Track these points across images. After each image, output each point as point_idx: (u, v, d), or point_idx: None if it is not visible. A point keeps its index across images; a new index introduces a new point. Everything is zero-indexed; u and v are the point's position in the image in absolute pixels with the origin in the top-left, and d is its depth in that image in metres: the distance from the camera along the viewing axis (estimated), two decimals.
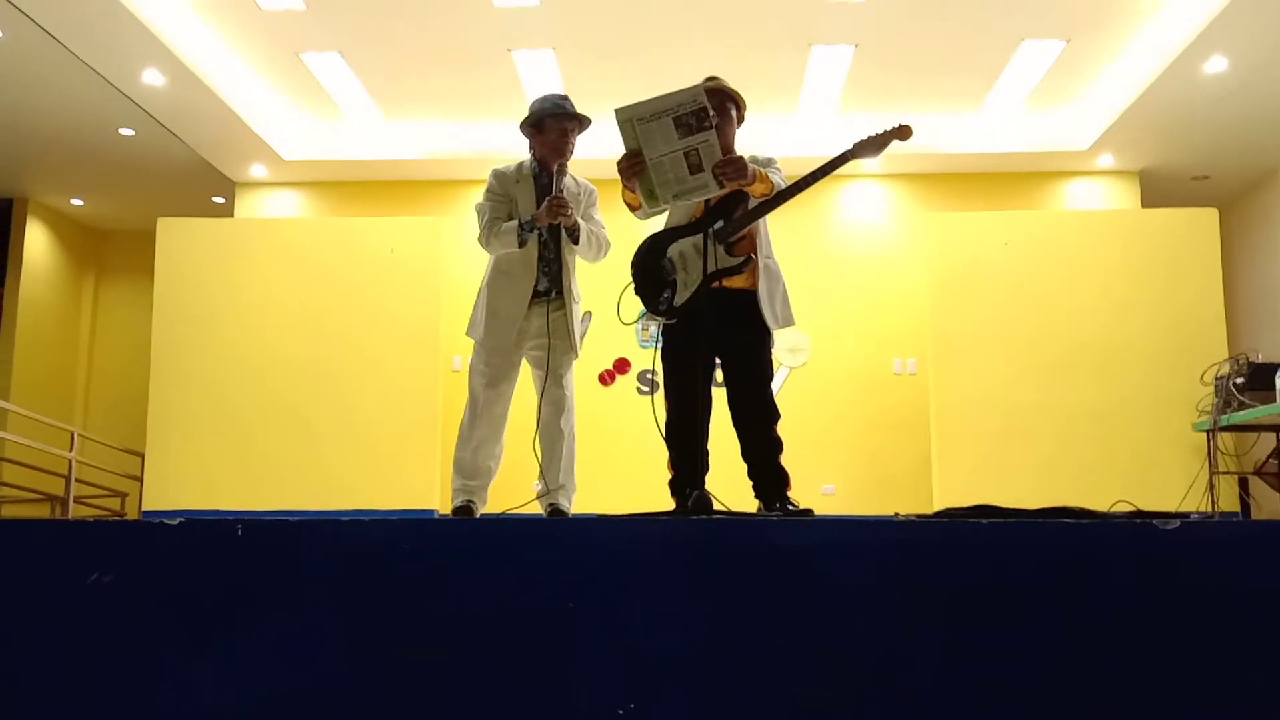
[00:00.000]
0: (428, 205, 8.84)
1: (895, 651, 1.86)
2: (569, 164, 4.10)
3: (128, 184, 9.81)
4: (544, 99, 4.14)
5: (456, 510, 4.05)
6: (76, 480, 8.67)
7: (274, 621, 1.92)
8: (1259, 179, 9.11)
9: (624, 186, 3.41)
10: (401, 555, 1.94)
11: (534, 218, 3.96)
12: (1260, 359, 6.67)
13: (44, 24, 6.55)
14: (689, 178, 3.25)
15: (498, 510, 4.27)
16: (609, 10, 6.88)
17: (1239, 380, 6.46)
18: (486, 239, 4.05)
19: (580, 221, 4.05)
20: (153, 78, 7.27)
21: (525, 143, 4.19)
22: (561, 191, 3.99)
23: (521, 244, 3.97)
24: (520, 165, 4.16)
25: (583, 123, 4.12)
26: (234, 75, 7.73)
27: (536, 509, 4.19)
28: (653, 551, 1.94)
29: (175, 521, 1.98)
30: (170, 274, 8.13)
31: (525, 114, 4.14)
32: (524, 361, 4.19)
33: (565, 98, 4.14)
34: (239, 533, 1.96)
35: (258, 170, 9.05)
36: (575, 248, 4.08)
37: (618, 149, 3.31)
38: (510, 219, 4.02)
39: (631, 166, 3.26)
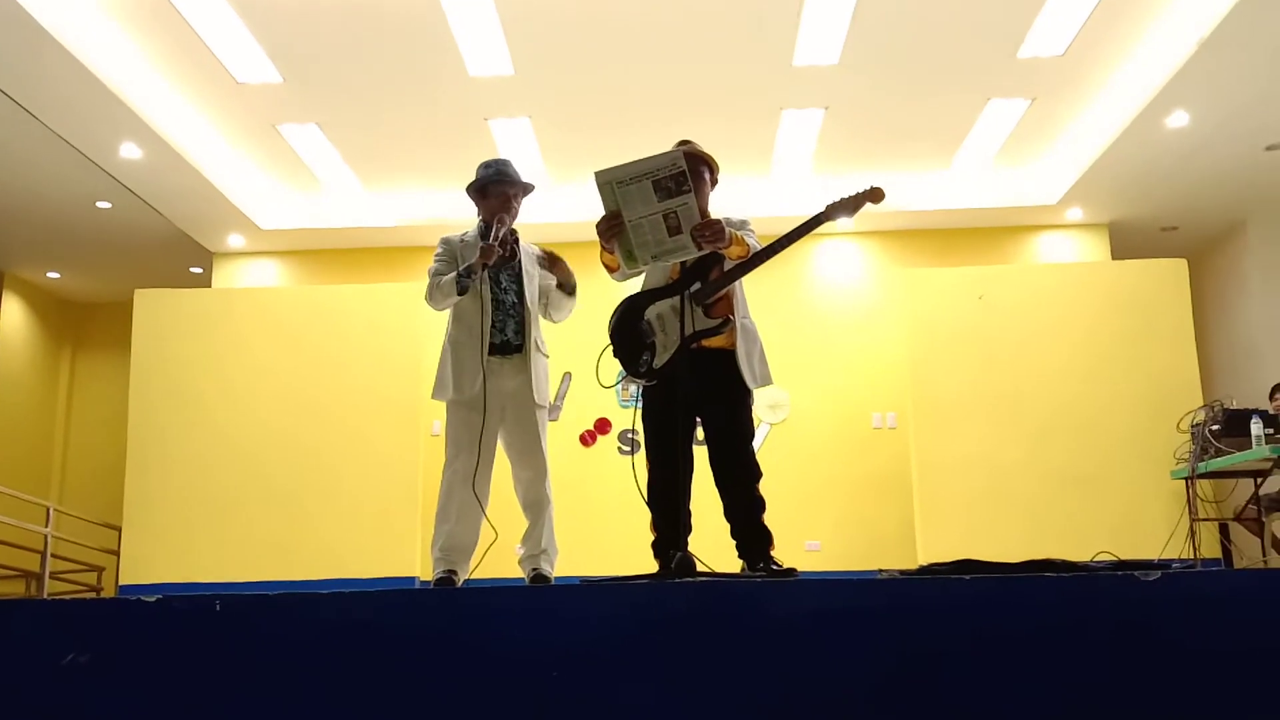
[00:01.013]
0: (406, 272, 8.86)
1: (882, 712, 1.85)
2: (515, 226, 4.24)
3: (105, 257, 9.81)
4: (487, 165, 4.28)
5: (438, 580, 4.01)
6: (52, 556, 8.53)
7: (253, 699, 1.89)
8: (1227, 228, 9.26)
9: (602, 248, 3.44)
10: (382, 629, 1.92)
11: (469, 265, 4.03)
12: (1234, 405, 6.72)
13: (20, 99, 6.59)
14: (668, 239, 3.29)
15: (472, 566, 4.23)
16: (584, 79, 6.98)
17: (1215, 427, 6.51)
18: (430, 293, 4.13)
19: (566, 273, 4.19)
20: (130, 151, 7.31)
21: None
22: (500, 241, 4.06)
23: (462, 290, 4.02)
24: (466, 232, 4.30)
25: (525, 188, 4.27)
26: (211, 147, 7.78)
27: (507, 551, 4.16)
28: (636, 619, 1.92)
29: (153, 598, 1.95)
30: (147, 345, 8.10)
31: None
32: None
33: (508, 163, 4.28)
34: (217, 608, 1.94)
35: (235, 240, 9.07)
36: (564, 300, 4.20)
37: (595, 212, 3.35)
38: (453, 269, 4.12)
39: (611, 228, 3.31)
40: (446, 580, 4.01)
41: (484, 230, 4.22)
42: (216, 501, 7.74)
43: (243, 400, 7.95)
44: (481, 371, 4.02)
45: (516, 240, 4.22)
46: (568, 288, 4.21)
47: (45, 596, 8.15)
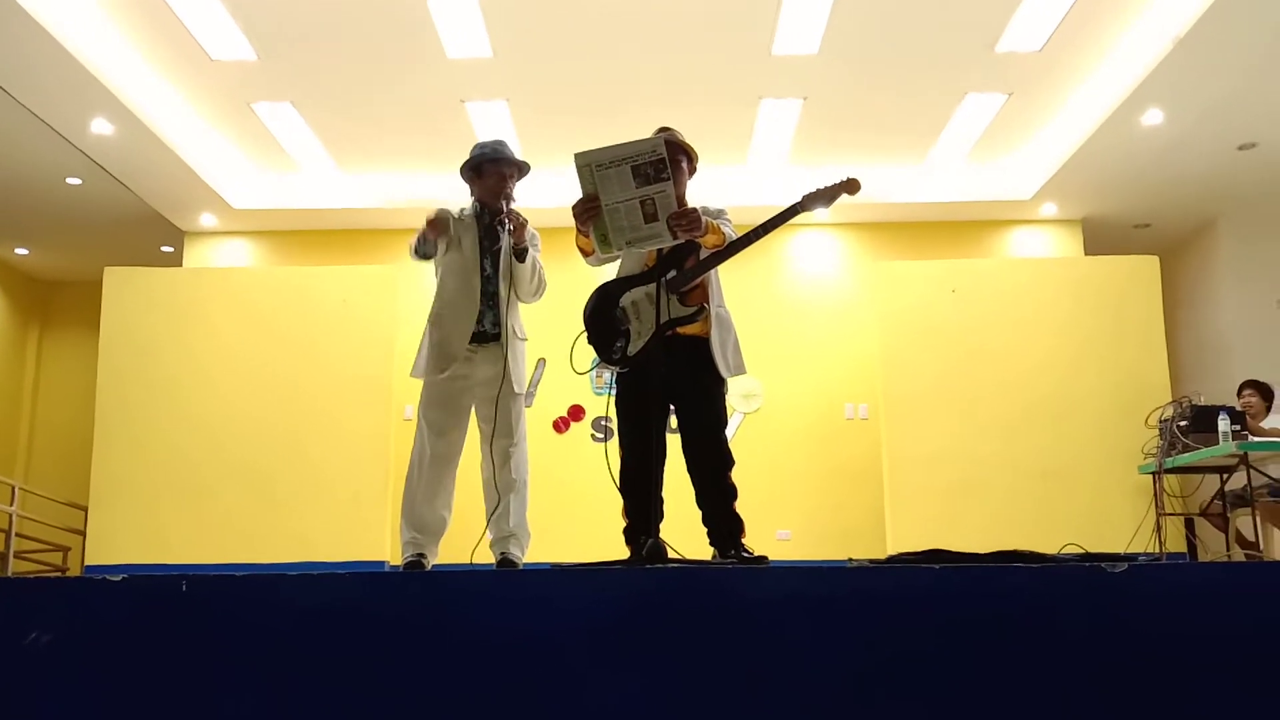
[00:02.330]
0: (380, 254, 8.81)
1: (850, 701, 1.86)
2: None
3: (74, 233, 9.68)
4: (483, 145, 4.22)
5: (408, 564, 3.99)
6: (17, 535, 8.44)
7: (218, 682, 1.88)
8: (1198, 226, 9.35)
9: (578, 231, 3.43)
10: (350, 612, 1.91)
11: (421, 235, 4.05)
12: (1203, 401, 6.79)
13: None
14: (643, 226, 3.29)
15: (452, 560, 4.22)
16: (562, 63, 6.95)
17: (1183, 423, 6.58)
18: (414, 245, 4.13)
19: (529, 247, 4.11)
20: (101, 127, 7.21)
21: None
22: (512, 216, 4.04)
23: (422, 256, 4.08)
24: (463, 209, 4.23)
25: (521, 168, 4.21)
26: (184, 124, 7.69)
27: (479, 537, 4.15)
28: (607, 604, 1.92)
29: (118, 578, 1.93)
30: (117, 324, 8.01)
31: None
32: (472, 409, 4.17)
33: (503, 143, 4.22)
34: (183, 589, 1.92)
35: (207, 219, 8.98)
36: (518, 268, 4.08)
37: (572, 197, 3.34)
38: (447, 250, 4.11)
39: (587, 210, 3.30)
40: (416, 564, 3.99)
41: (478, 210, 4.17)
42: (185, 483, 7.67)
43: (213, 381, 7.89)
44: (460, 358, 4.01)
45: (502, 224, 4.15)
46: (517, 252, 4.07)
47: (9, 576, 8.07)
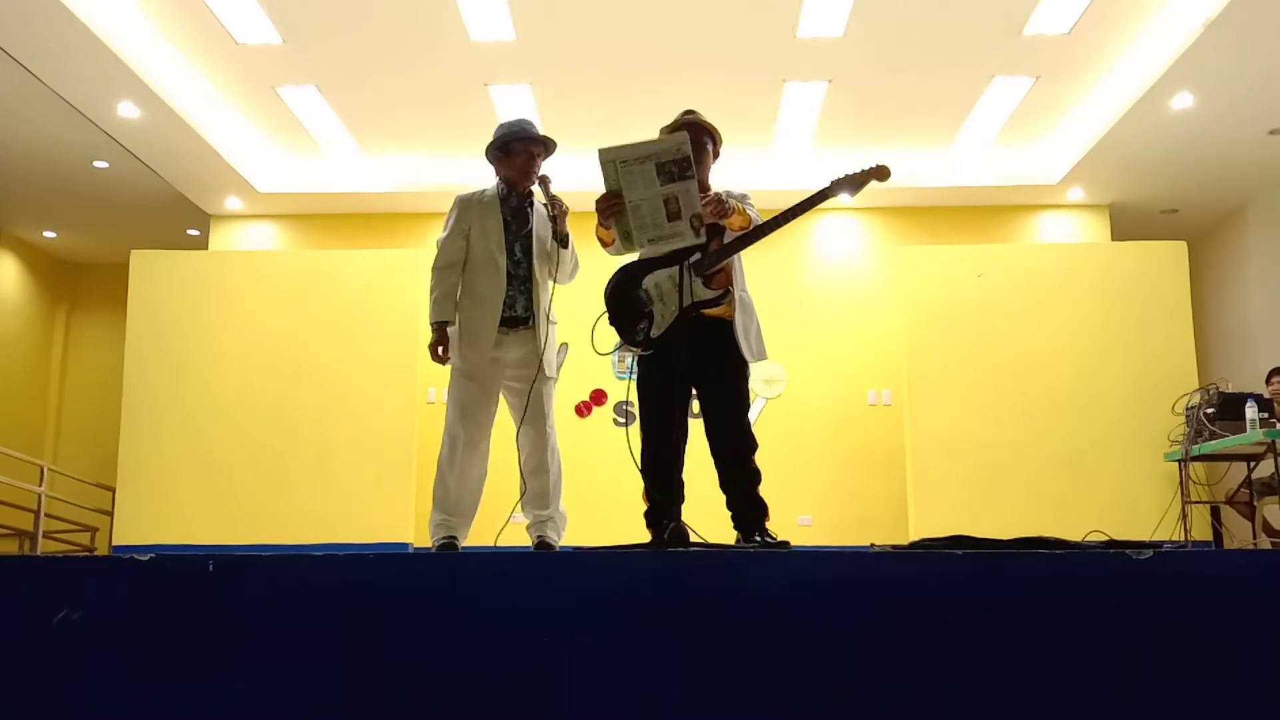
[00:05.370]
0: (404, 238, 8.84)
1: (872, 686, 1.86)
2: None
3: (101, 216, 9.76)
4: (510, 123, 4.14)
5: (440, 546, 4.00)
6: (46, 515, 8.54)
7: (245, 660, 1.90)
8: (1227, 212, 9.24)
9: (599, 224, 3.42)
10: (374, 591, 1.92)
11: (440, 348, 4.01)
12: (1230, 389, 6.73)
13: (18, 56, 6.52)
14: (666, 224, 3.27)
15: (480, 542, 4.24)
16: (586, 46, 6.93)
17: (1209, 410, 6.52)
18: (432, 284, 4.08)
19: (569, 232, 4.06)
20: (128, 110, 7.25)
21: None
22: (553, 203, 3.98)
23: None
24: (484, 191, 4.17)
25: (548, 146, 4.14)
26: (210, 108, 7.72)
27: (520, 533, 4.16)
28: (629, 587, 1.93)
29: (145, 557, 1.95)
30: (143, 306, 8.07)
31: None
32: (502, 393, 4.17)
33: (529, 122, 4.16)
34: (210, 568, 1.94)
35: (233, 203, 9.03)
36: (561, 254, 4.03)
37: (594, 182, 3.33)
38: (463, 253, 4.06)
39: (610, 207, 3.29)
40: (448, 546, 4.00)
41: (504, 192, 4.11)
42: (211, 464, 7.73)
43: (238, 363, 7.94)
44: (490, 344, 4.00)
45: (531, 204, 4.11)
46: (560, 238, 4.02)
47: (39, 555, 8.16)
